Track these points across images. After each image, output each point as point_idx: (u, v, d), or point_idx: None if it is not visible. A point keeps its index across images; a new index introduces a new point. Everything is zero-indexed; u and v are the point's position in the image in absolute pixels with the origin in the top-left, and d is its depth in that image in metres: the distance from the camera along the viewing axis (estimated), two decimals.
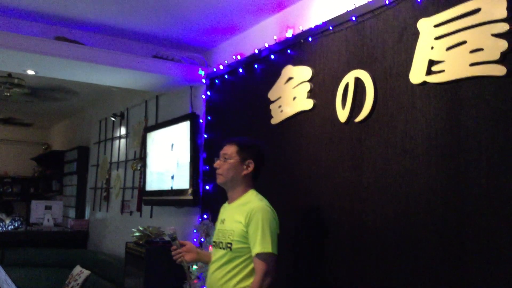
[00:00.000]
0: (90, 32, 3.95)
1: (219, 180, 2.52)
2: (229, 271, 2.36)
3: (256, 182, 2.56)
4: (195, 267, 3.39)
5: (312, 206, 2.79)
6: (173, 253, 2.55)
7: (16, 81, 5.46)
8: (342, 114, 2.63)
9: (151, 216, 4.87)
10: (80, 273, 5.10)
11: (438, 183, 2.09)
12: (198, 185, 3.97)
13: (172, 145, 4.40)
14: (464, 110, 2.02)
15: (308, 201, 2.82)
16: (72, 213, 7.39)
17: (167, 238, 2.61)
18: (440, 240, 2.06)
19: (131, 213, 5.36)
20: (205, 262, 2.65)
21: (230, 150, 2.50)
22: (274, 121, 3.18)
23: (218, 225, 2.54)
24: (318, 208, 2.75)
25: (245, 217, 2.36)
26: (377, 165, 2.40)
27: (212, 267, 2.46)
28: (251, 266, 2.34)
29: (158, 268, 3.59)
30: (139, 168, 5.08)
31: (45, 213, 6.87)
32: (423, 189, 2.16)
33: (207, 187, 3.81)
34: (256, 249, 2.29)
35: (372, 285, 2.36)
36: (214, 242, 2.53)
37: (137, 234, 3.97)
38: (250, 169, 2.49)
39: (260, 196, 2.49)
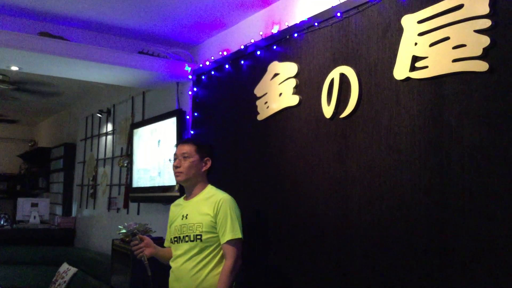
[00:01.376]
0: (75, 28, 3.91)
1: (180, 178, 2.66)
2: (200, 261, 2.53)
3: (210, 177, 2.76)
4: None
5: (298, 201, 2.80)
6: (133, 248, 2.67)
7: (0, 77, 5.40)
8: (328, 110, 2.63)
9: (138, 213, 4.86)
10: (67, 270, 5.08)
11: (422, 178, 2.11)
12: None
13: (158, 142, 4.39)
14: (447, 106, 2.04)
15: (294, 196, 2.83)
16: (58, 210, 7.34)
17: (127, 232, 2.69)
18: (424, 235, 2.08)
19: (118, 210, 5.34)
20: (161, 257, 2.74)
21: (188, 149, 2.67)
22: (260, 117, 3.18)
23: (179, 221, 2.64)
24: (303, 203, 2.76)
25: (213, 208, 2.56)
26: (362, 161, 2.41)
27: (179, 261, 2.58)
28: (220, 253, 2.55)
29: (144, 265, 3.58)
30: (125, 164, 5.05)
31: (32, 211, 6.83)
32: (407, 184, 2.17)
33: None
34: (227, 236, 2.51)
35: (357, 279, 2.38)
36: (175, 238, 2.63)
37: (123, 231, 3.95)
38: (208, 165, 2.71)
39: (220, 190, 2.70)
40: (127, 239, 3.85)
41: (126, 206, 5.03)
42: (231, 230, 2.51)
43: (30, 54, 3.60)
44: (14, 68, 4.06)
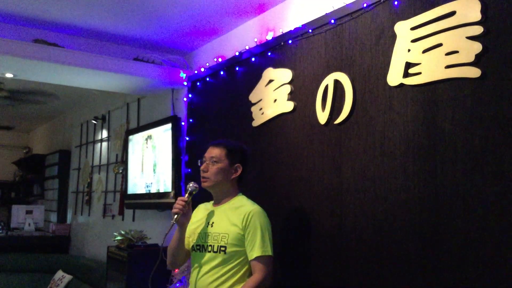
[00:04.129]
0: (70, 35, 3.92)
1: (207, 183, 2.44)
2: (222, 275, 2.32)
3: (241, 185, 2.55)
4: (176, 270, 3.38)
5: (293, 207, 2.80)
6: (179, 202, 2.40)
7: None
8: (322, 116, 2.65)
9: (133, 220, 4.85)
10: (62, 278, 5.06)
11: (416, 183, 2.12)
12: (180, 188, 3.96)
13: (154, 148, 4.39)
14: (440, 112, 2.05)
15: (289, 202, 2.84)
16: (53, 217, 7.31)
17: (188, 186, 2.46)
18: (418, 240, 2.09)
19: (113, 216, 5.33)
20: (179, 239, 2.48)
21: (218, 153, 2.45)
22: (255, 123, 3.19)
23: (204, 228, 2.44)
24: (298, 209, 2.76)
25: (242, 220, 2.35)
26: (356, 167, 2.42)
27: (199, 272, 2.37)
28: (244, 269, 2.35)
29: (140, 272, 3.57)
30: (120, 171, 5.05)
31: (26, 218, 6.80)
32: (400, 190, 2.18)
33: None
34: (256, 252, 2.30)
35: (352, 285, 2.38)
36: (197, 245, 2.43)
37: (118, 238, 3.95)
38: (239, 173, 2.47)
39: (251, 200, 2.48)
40: (123, 245, 3.85)
41: (121, 212, 5.02)
42: (260, 246, 2.29)
43: (25, 61, 3.60)
44: (9, 75, 4.06)
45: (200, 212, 2.56)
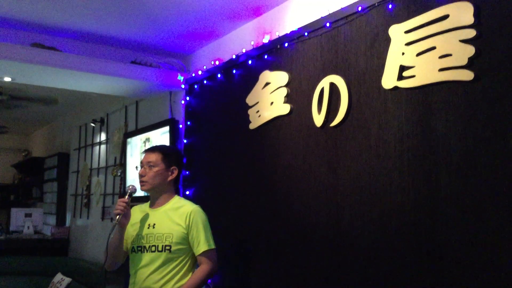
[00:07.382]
0: (67, 39, 3.94)
1: (145, 187, 2.61)
2: (168, 272, 2.49)
3: (176, 186, 2.76)
4: None
5: (289, 208, 2.82)
6: (120, 203, 2.52)
7: None
8: (318, 119, 2.66)
9: None
10: (61, 280, 5.07)
11: (411, 185, 2.14)
12: (178, 190, 3.97)
13: None
14: (434, 114, 2.07)
15: (285, 204, 2.85)
16: (52, 220, 7.32)
17: (127, 188, 2.64)
18: (413, 241, 2.11)
19: (111, 219, 5.32)
20: (118, 240, 2.58)
21: (154, 157, 2.62)
22: (252, 126, 3.21)
23: (145, 230, 2.55)
24: (295, 210, 2.78)
25: (185, 220, 2.54)
26: (352, 168, 2.44)
27: (144, 272, 2.50)
28: (187, 265, 2.54)
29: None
30: (119, 174, 5.06)
31: (25, 221, 6.81)
32: (396, 191, 2.20)
33: (187, 192, 3.82)
34: (203, 247, 2.52)
35: (348, 285, 2.39)
36: (138, 247, 2.54)
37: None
38: (174, 175, 2.66)
39: (188, 200, 2.70)
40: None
41: None
42: (206, 241, 2.52)
43: (23, 65, 3.62)
44: (7, 78, 4.08)
45: (136, 214, 2.67)
